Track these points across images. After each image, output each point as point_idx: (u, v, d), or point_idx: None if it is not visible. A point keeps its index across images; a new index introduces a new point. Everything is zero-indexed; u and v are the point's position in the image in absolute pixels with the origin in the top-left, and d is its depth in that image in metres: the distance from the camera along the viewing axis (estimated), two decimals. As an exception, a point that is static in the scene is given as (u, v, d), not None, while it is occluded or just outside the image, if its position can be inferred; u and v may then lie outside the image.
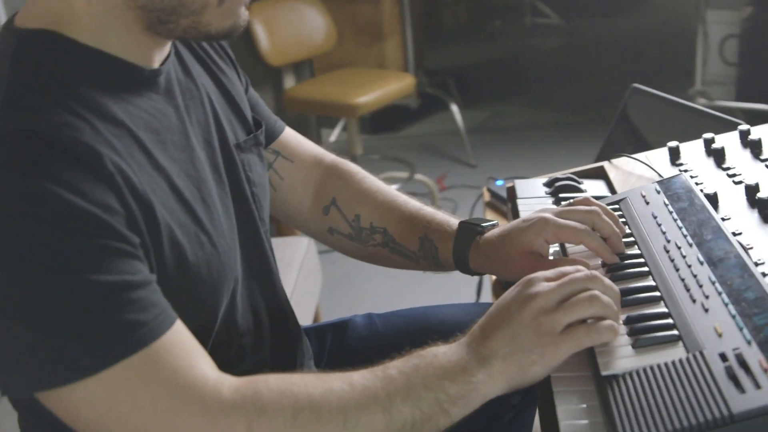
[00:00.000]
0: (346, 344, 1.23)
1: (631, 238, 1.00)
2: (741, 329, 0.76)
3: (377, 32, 4.21)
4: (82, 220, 0.73)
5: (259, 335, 1.01)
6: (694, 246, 0.92)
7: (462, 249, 1.07)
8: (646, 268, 0.93)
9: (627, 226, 1.03)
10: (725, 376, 0.71)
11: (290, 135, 1.20)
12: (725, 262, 0.87)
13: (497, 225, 1.08)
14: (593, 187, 1.28)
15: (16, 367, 0.73)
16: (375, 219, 1.15)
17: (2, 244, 0.71)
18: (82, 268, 0.72)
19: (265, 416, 0.75)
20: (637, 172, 1.27)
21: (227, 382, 0.77)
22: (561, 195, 1.23)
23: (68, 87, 0.80)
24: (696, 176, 1.14)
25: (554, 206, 1.10)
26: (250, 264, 1.01)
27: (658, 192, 1.07)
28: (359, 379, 0.80)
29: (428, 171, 3.66)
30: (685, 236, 0.95)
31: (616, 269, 0.95)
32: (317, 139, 3.60)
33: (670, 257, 0.92)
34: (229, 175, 0.98)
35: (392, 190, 1.18)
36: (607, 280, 0.84)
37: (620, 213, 1.07)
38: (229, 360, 0.94)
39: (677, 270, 0.89)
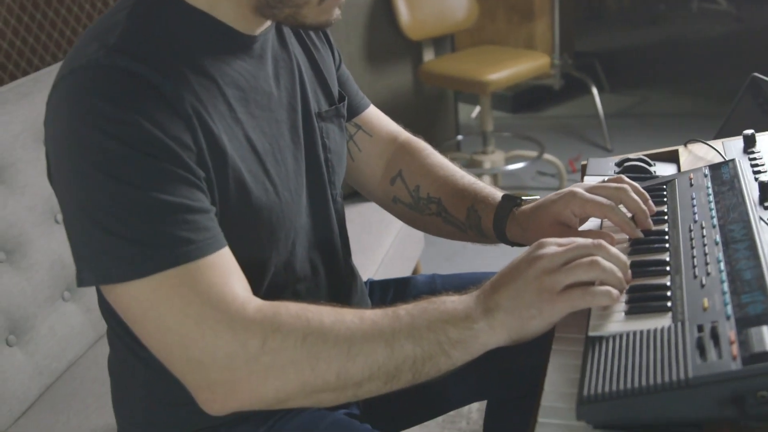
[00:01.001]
0: (405, 299, 1.32)
1: (664, 217, 1.03)
2: (726, 305, 0.79)
3: (528, 11, 4.21)
4: (156, 147, 0.85)
5: (314, 283, 1.12)
6: (717, 227, 0.94)
7: (501, 219, 1.14)
8: (665, 245, 0.96)
9: (665, 206, 1.06)
10: (695, 345, 0.75)
11: (372, 112, 1.30)
12: (738, 244, 0.89)
13: (538, 199, 1.13)
14: (663, 169, 1.30)
15: (87, 262, 0.88)
16: (432, 190, 1.23)
17: (87, 155, 0.85)
18: (149, 186, 0.85)
19: (278, 333, 0.85)
20: (708, 157, 1.27)
21: (254, 302, 0.88)
22: (627, 174, 1.26)
23: (171, 41, 0.93)
24: (762, 165, 1.14)
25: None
26: (315, 220, 1.11)
27: (705, 176, 1.09)
28: (370, 314, 0.89)
29: (561, 152, 3.65)
30: (712, 218, 0.97)
31: (638, 243, 0.99)
32: (454, 114, 3.67)
33: (691, 236, 0.95)
34: (306, 139, 1.09)
35: (452, 167, 1.26)
36: (614, 250, 0.88)
37: (664, 193, 1.10)
38: (284, 299, 1.05)
39: (692, 248, 0.92)
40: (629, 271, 0.90)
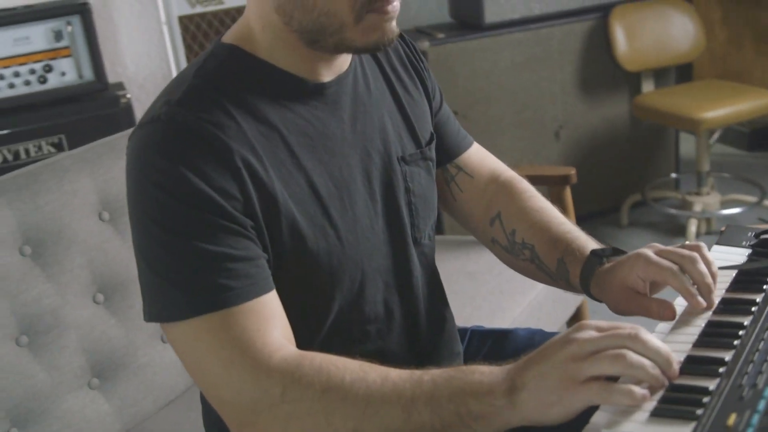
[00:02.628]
0: (501, 353, 1.29)
1: (752, 308, 0.93)
2: (749, 427, 0.70)
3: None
4: (200, 198, 0.92)
5: (387, 326, 1.12)
6: (795, 331, 0.83)
7: (587, 275, 1.10)
8: (735, 341, 0.87)
9: (760, 295, 0.95)
10: (691, 465, 0.68)
11: (474, 152, 1.29)
12: (804, 355, 0.78)
13: (620, 253, 1.07)
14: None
15: (146, 301, 0.97)
16: (527, 236, 1.20)
17: (141, 204, 0.94)
18: (192, 236, 0.92)
19: (298, 385, 0.88)
20: None
21: (282, 351, 0.91)
22: (758, 248, 1.15)
23: (234, 92, 0.99)
24: None
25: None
26: (394, 262, 1.12)
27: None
28: (394, 376, 0.89)
29: (792, 200, 3.31)
30: (796, 319, 0.86)
31: (706, 336, 0.90)
32: (674, 149, 3.46)
33: (764, 336, 0.85)
34: (386, 184, 1.11)
35: (550, 212, 1.22)
36: (653, 342, 0.81)
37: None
38: (351, 339, 1.08)
39: (757, 351, 0.83)
40: (674, 367, 0.82)
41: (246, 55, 1.02)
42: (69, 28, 2.53)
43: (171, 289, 0.92)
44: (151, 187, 0.92)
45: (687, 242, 1.02)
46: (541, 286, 1.90)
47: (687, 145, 3.80)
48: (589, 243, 1.14)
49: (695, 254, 0.97)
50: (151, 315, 0.96)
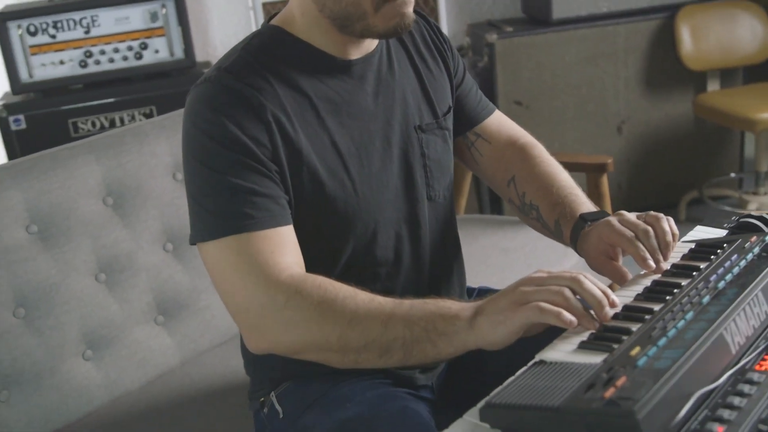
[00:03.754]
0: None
1: (693, 272, 1.08)
2: (645, 356, 0.86)
3: None
4: (236, 143, 1.13)
5: (395, 269, 1.31)
6: (716, 290, 0.98)
7: (575, 236, 1.26)
8: (667, 297, 1.02)
9: (707, 262, 1.10)
10: (588, 381, 0.84)
11: (493, 120, 1.46)
12: (713, 307, 0.94)
13: (605, 217, 1.22)
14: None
15: (191, 227, 1.19)
16: (534, 198, 1.37)
17: (189, 146, 1.17)
18: (226, 172, 1.13)
19: (299, 296, 1.09)
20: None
21: (290, 270, 1.12)
22: (734, 230, 1.28)
23: (273, 64, 1.20)
24: None
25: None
26: (409, 215, 1.31)
27: (763, 242, 1.10)
28: (380, 299, 1.08)
29: None
30: (720, 281, 1.01)
31: (650, 292, 1.05)
32: (739, 149, 3.51)
33: (690, 293, 1.00)
34: (403, 149, 1.29)
35: (556, 177, 1.37)
36: (589, 286, 0.98)
37: (718, 250, 1.13)
38: (363, 278, 1.26)
39: (680, 303, 0.98)
40: (605, 310, 0.98)
41: (287, 34, 1.22)
42: (164, 11, 2.79)
43: (206, 214, 1.14)
44: (199, 132, 1.15)
45: (651, 212, 1.17)
46: (568, 263, 2.04)
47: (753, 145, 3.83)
48: (582, 207, 1.30)
49: (649, 228, 1.13)
50: (192, 238, 1.18)
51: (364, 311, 1.07)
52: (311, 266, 1.17)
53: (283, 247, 1.14)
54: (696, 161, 3.47)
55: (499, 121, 1.47)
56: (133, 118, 2.80)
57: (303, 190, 1.19)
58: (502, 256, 2.11)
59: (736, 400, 0.82)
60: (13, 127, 2.72)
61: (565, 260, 2.07)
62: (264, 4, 2.85)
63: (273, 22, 1.26)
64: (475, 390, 1.35)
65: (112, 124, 2.79)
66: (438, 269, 1.38)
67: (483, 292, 1.51)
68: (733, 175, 3.50)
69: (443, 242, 1.38)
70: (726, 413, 0.80)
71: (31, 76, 2.75)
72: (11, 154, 2.77)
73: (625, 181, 3.43)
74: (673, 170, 3.45)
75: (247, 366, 1.43)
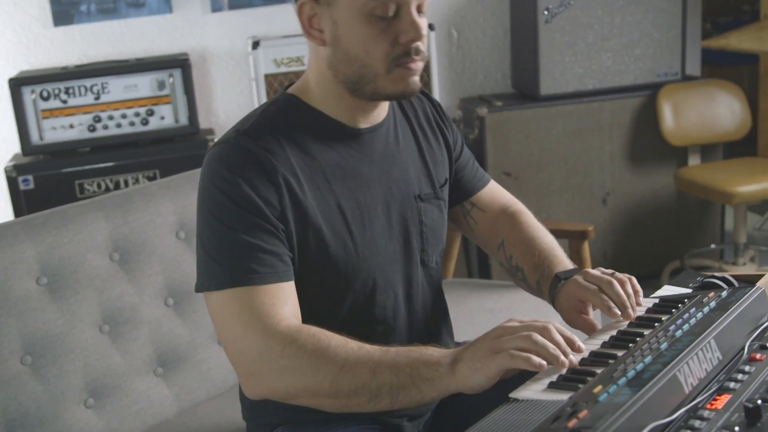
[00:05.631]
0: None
1: (655, 324, 1.18)
2: (605, 393, 0.96)
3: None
4: (247, 202, 1.24)
5: (391, 328, 1.40)
6: (673, 338, 1.08)
7: (551, 294, 1.38)
8: (630, 344, 1.12)
9: (669, 315, 1.20)
10: (554, 414, 0.93)
11: (488, 190, 1.58)
12: (670, 352, 1.04)
13: (574, 275, 1.33)
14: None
15: (197, 276, 1.29)
16: (519, 261, 1.48)
17: (205, 201, 1.27)
18: (236, 228, 1.24)
19: (294, 345, 1.18)
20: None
21: (288, 322, 1.21)
22: (698, 289, 1.39)
23: (287, 130, 1.31)
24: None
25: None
26: (404, 277, 1.41)
27: (719, 296, 1.21)
28: (369, 347, 1.17)
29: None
30: (678, 330, 1.11)
31: (617, 340, 1.15)
32: (720, 221, 3.64)
33: (650, 340, 1.10)
34: (403, 215, 1.40)
35: (539, 241, 1.49)
36: (556, 335, 1.08)
37: (679, 305, 1.23)
38: (360, 335, 1.35)
39: (641, 349, 1.08)
40: (569, 357, 1.07)
41: (301, 103, 1.34)
42: (171, 80, 2.94)
43: (214, 265, 1.24)
44: (214, 188, 1.26)
45: (616, 273, 1.28)
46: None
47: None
48: (560, 266, 1.41)
49: (612, 279, 1.25)
50: (198, 286, 1.27)
51: (354, 359, 1.16)
52: (312, 322, 1.25)
53: (283, 300, 1.24)
54: (678, 232, 3.59)
55: (492, 192, 1.59)
56: (137, 180, 2.92)
57: (307, 248, 1.29)
58: (488, 315, 2.21)
59: (687, 434, 0.91)
60: (22, 187, 2.84)
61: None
62: (266, 76, 3.00)
63: (289, 91, 1.38)
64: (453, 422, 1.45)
65: (117, 186, 2.91)
66: (430, 328, 1.48)
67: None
68: (713, 246, 3.62)
69: (434, 304, 1.48)
70: (677, 444, 0.89)
71: (41, 138, 2.88)
72: (18, 214, 2.88)
73: (610, 251, 3.54)
74: (656, 241, 3.57)
75: (243, 411, 1.51)
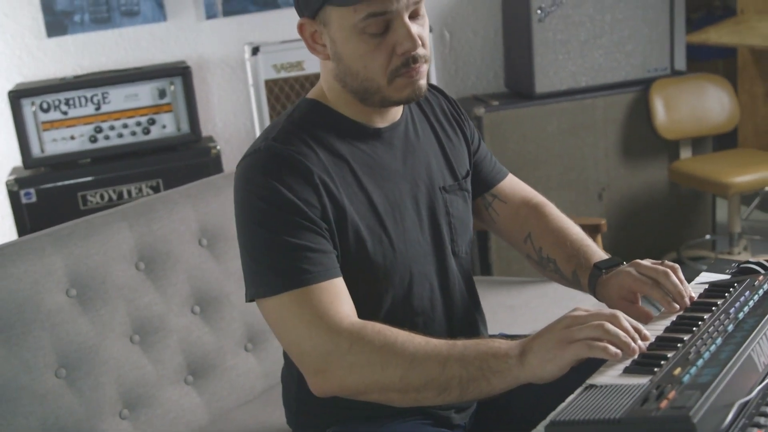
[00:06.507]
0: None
1: (713, 307, 1.21)
2: (688, 374, 0.98)
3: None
4: (289, 205, 1.25)
5: (431, 319, 1.42)
6: (737, 320, 1.11)
7: (592, 284, 1.40)
8: (694, 328, 1.15)
9: (723, 299, 1.23)
10: (642, 397, 0.96)
11: (508, 182, 1.60)
12: (738, 333, 1.07)
13: (620, 265, 1.36)
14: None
15: (247, 284, 1.29)
16: (550, 252, 1.50)
17: (245, 209, 1.28)
18: (282, 232, 1.24)
19: (362, 341, 1.19)
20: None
21: (350, 318, 1.22)
22: (737, 275, 1.42)
23: (314, 133, 1.33)
24: None
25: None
26: (437, 268, 1.43)
27: (770, 280, 1.24)
28: (435, 341, 1.19)
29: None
30: (740, 312, 1.14)
31: (678, 324, 1.18)
32: (711, 212, 3.71)
33: (714, 323, 1.13)
34: (430, 208, 1.42)
35: (567, 231, 1.51)
36: (625, 322, 1.11)
37: (730, 289, 1.26)
38: (402, 328, 1.38)
39: (707, 331, 1.11)
40: (639, 342, 1.10)
41: (323, 107, 1.36)
42: (172, 88, 2.94)
43: (267, 272, 1.25)
44: (253, 197, 1.26)
45: (665, 261, 1.31)
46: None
47: (724, 209, 4.04)
48: (595, 256, 1.44)
49: (668, 269, 1.27)
50: (251, 295, 1.28)
51: (423, 353, 1.17)
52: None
53: (339, 297, 1.25)
54: (672, 224, 3.66)
55: (512, 183, 1.61)
56: (140, 191, 2.91)
57: (347, 245, 1.31)
58: (510, 312, 2.23)
59: (769, 410, 0.94)
60: (24, 200, 2.82)
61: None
62: (267, 81, 3.01)
63: (309, 96, 1.40)
64: (503, 429, 1.47)
65: (120, 197, 2.90)
66: (467, 318, 1.49)
67: (502, 337, 1.63)
68: (708, 236, 3.69)
69: (468, 293, 1.50)
70: (762, 420, 0.92)
71: (42, 150, 2.85)
72: (21, 227, 2.85)
73: (606, 245, 3.58)
74: (652, 233, 3.63)
75: (289, 416, 1.52)
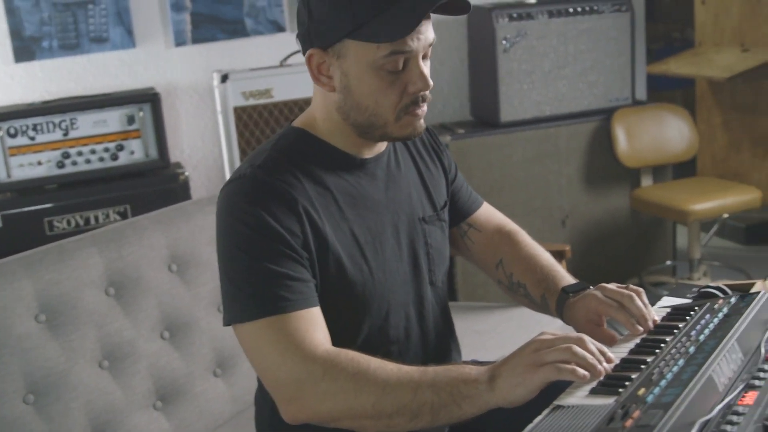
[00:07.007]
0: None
1: (674, 330, 1.25)
2: (651, 394, 1.02)
3: (773, 145, 4.24)
4: (271, 232, 1.27)
5: (405, 348, 1.45)
6: (698, 342, 1.16)
7: (560, 307, 1.44)
8: (656, 350, 1.19)
9: (684, 322, 1.27)
10: (608, 416, 0.99)
11: (483, 211, 1.64)
12: (700, 355, 1.11)
13: (587, 289, 1.40)
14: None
15: (226, 310, 1.31)
16: (521, 278, 1.54)
17: (227, 234, 1.29)
18: (263, 259, 1.26)
19: (335, 369, 1.21)
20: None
21: (325, 346, 1.24)
22: (697, 299, 1.47)
23: (299, 162, 1.35)
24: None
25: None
26: (414, 298, 1.46)
27: (729, 303, 1.29)
28: (407, 368, 1.21)
29: (781, 289, 3.60)
30: (701, 335, 1.18)
31: (641, 346, 1.22)
32: (672, 238, 3.80)
33: (677, 345, 1.17)
34: (410, 238, 1.45)
35: (539, 257, 1.56)
36: (591, 345, 1.14)
37: (691, 312, 1.31)
38: (376, 356, 1.40)
39: (670, 353, 1.15)
40: (604, 365, 1.14)
41: (311, 137, 1.39)
42: (140, 114, 2.95)
43: (245, 297, 1.27)
44: (238, 223, 1.28)
45: (630, 285, 1.35)
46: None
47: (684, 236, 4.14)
48: (564, 281, 1.48)
49: (632, 293, 1.31)
50: (228, 320, 1.29)
51: (395, 380, 1.20)
52: (333, 345, 1.28)
53: (315, 325, 1.27)
54: (634, 251, 3.73)
55: (487, 212, 1.65)
56: (107, 216, 2.90)
57: (328, 274, 1.33)
58: (477, 336, 2.27)
59: (728, 428, 0.98)
60: (-10, 226, 2.80)
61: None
62: (235, 109, 3.03)
63: (295, 124, 1.42)
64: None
65: (87, 223, 2.89)
66: (441, 346, 1.52)
67: (475, 363, 1.66)
68: (668, 262, 3.77)
69: (443, 322, 1.53)
70: (723, 438, 0.96)
71: (9, 176, 2.84)
72: (-14, 253, 2.82)
73: (570, 270, 3.59)
74: (614, 259, 3.70)
75: None
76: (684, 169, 4.21)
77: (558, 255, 2.38)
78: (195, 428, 1.95)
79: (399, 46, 1.26)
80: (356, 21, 1.25)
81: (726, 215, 3.49)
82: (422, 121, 1.36)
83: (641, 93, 3.99)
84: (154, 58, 3.29)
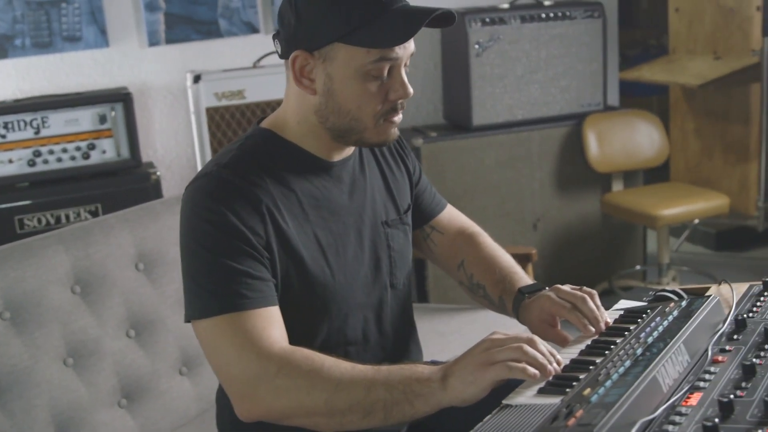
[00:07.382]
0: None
1: (625, 332, 1.28)
2: (596, 394, 1.04)
3: (744, 152, 4.29)
4: (234, 231, 1.29)
5: (363, 348, 1.47)
6: (645, 344, 1.18)
7: (516, 308, 1.46)
8: (606, 351, 1.21)
9: (635, 324, 1.30)
10: (552, 415, 1.01)
11: (446, 213, 1.67)
12: (647, 356, 1.13)
13: (542, 290, 1.43)
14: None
15: (186, 306, 1.32)
16: (480, 278, 1.57)
17: (190, 231, 1.31)
18: (224, 256, 1.28)
19: (289, 366, 1.23)
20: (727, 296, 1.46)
21: (281, 343, 1.26)
22: (651, 303, 1.50)
23: (265, 163, 1.37)
24: (757, 311, 1.33)
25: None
26: (374, 300, 1.47)
27: (679, 306, 1.32)
28: (361, 366, 1.23)
29: (748, 294, 3.65)
30: (649, 336, 1.21)
31: (592, 348, 1.25)
32: (642, 243, 3.84)
33: (625, 347, 1.20)
34: (372, 241, 1.47)
35: (499, 259, 1.59)
36: (541, 345, 1.17)
37: (644, 315, 1.34)
38: (335, 356, 1.41)
39: (618, 354, 1.17)
40: (554, 365, 1.16)
41: (278, 138, 1.40)
42: (112, 113, 2.95)
43: (204, 294, 1.28)
44: (201, 220, 1.30)
45: (584, 287, 1.38)
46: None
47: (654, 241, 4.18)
48: (521, 282, 1.51)
49: (585, 295, 1.33)
50: (188, 316, 1.31)
51: (348, 377, 1.21)
52: (293, 344, 1.30)
53: (273, 323, 1.29)
54: (604, 255, 3.77)
55: (450, 214, 1.68)
56: (78, 215, 2.90)
57: (289, 275, 1.35)
58: (441, 338, 2.29)
59: (670, 428, 1.00)
60: (-41, 223, 2.78)
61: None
62: (208, 109, 3.04)
63: (263, 125, 1.43)
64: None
65: (58, 221, 2.88)
66: (399, 347, 1.54)
67: (435, 364, 1.68)
68: (638, 267, 3.81)
69: (402, 324, 1.55)
70: (664, 438, 0.98)
71: (-21, 174, 2.83)
72: (-45, 251, 2.81)
73: (541, 273, 3.68)
74: (585, 263, 3.74)
75: None
76: (658, 174, 4.26)
77: (525, 258, 2.41)
78: (160, 426, 1.96)
79: (387, 52, 1.29)
80: (350, 25, 1.27)
81: (696, 221, 3.55)
82: (396, 129, 1.38)
83: (613, 99, 4.03)
84: (127, 58, 3.29)
